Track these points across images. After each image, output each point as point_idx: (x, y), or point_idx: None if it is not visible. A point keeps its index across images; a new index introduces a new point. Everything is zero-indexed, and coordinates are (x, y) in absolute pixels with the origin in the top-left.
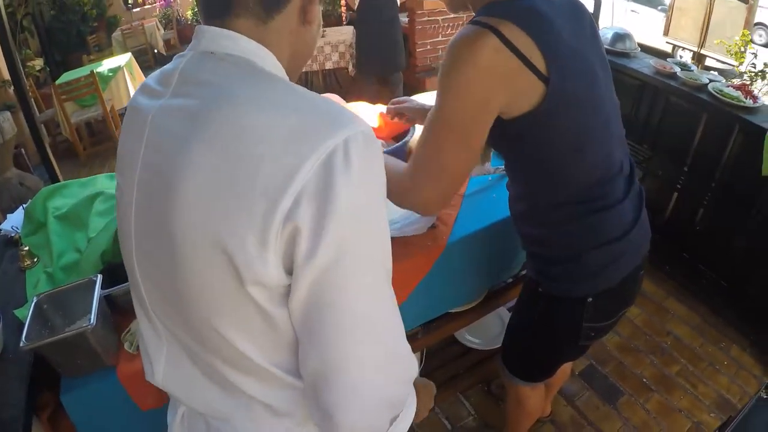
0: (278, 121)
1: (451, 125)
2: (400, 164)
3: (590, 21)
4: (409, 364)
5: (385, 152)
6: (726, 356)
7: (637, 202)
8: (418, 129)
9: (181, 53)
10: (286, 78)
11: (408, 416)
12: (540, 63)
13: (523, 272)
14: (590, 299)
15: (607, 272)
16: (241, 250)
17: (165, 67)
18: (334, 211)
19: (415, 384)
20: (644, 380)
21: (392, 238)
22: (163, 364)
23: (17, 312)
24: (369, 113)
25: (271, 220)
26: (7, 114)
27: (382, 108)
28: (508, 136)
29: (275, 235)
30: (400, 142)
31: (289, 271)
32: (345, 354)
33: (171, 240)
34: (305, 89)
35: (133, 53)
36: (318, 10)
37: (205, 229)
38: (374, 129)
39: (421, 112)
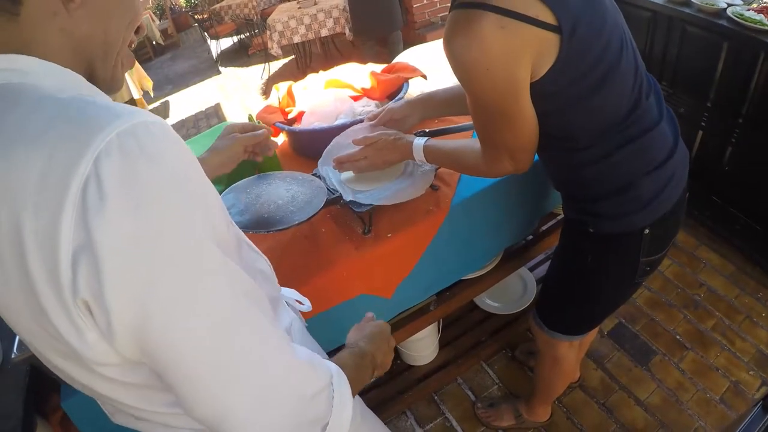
0: (24, 170)
1: (491, 112)
2: (469, 145)
3: None
4: (305, 378)
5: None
6: (765, 308)
7: (671, 120)
8: (412, 84)
9: None
10: (62, 83)
11: (345, 413)
12: (547, 15)
13: (544, 228)
14: (647, 231)
15: (662, 197)
16: (63, 342)
17: None
18: (105, 270)
19: (366, 333)
20: (677, 337)
21: (389, 206)
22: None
23: None
24: (360, 74)
25: (65, 303)
26: None
27: (373, 67)
28: (539, 95)
29: (78, 316)
30: (394, 100)
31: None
32: (212, 408)
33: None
34: (56, 99)
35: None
36: None
37: (27, 322)
38: (366, 90)
39: (407, 109)
